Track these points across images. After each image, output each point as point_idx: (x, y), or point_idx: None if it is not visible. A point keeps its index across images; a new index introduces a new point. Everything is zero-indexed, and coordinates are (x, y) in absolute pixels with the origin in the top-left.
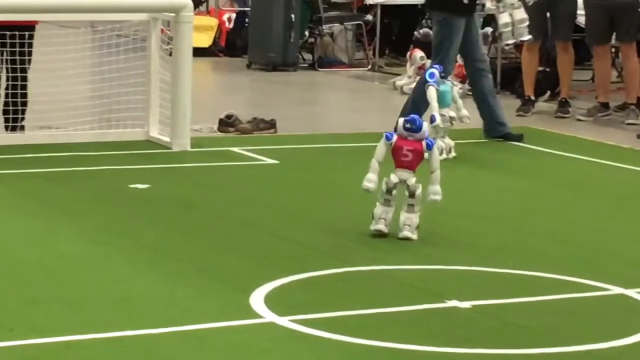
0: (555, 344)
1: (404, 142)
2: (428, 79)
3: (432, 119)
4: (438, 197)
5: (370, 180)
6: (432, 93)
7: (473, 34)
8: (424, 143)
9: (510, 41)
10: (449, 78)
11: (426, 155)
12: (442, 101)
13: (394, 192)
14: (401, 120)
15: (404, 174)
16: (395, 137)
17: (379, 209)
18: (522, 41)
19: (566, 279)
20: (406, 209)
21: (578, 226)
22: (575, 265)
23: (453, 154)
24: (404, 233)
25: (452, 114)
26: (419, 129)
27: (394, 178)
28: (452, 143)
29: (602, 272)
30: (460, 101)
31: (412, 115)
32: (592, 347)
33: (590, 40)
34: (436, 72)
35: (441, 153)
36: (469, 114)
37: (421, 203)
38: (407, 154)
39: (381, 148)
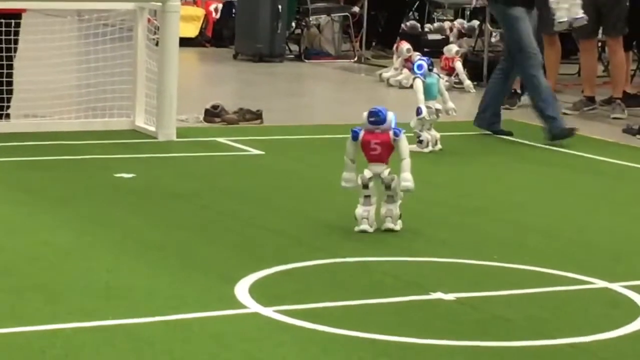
0: (539, 336)
1: (371, 135)
2: (416, 70)
3: (418, 111)
4: (409, 184)
5: (348, 179)
6: (418, 85)
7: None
8: (391, 133)
9: (564, 19)
10: (435, 70)
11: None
12: (428, 93)
13: (370, 185)
14: (365, 113)
15: (377, 168)
16: (362, 133)
17: (359, 210)
18: (576, 19)
19: (551, 272)
20: (386, 200)
21: (562, 219)
22: (559, 258)
23: (439, 146)
24: (386, 225)
25: (439, 106)
26: (383, 120)
27: (367, 173)
28: (437, 135)
29: (586, 266)
30: (446, 93)
31: (375, 108)
32: (576, 340)
33: (578, 34)
34: (424, 64)
35: (427, 145)
36: (455, 107)
37: (399, 193)
38: (376, 147)
39: (350, 145)
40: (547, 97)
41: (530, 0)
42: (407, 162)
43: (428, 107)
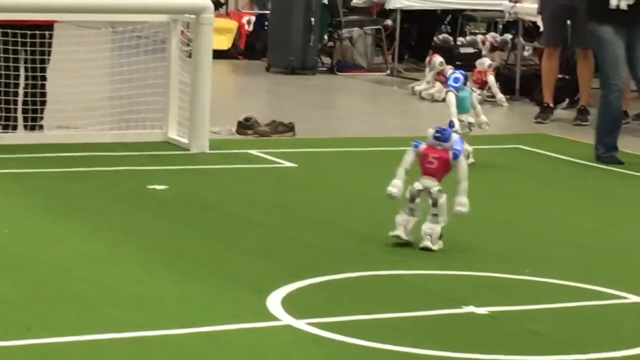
0: (571, 351)
1: (431, 150)
2: (452, 83)
3: (451, 125)
4: (464, 210)
5: (395, 185)
6: (451, 99)
7: (634, 49)
8: (450, 153)
9: None
10: (468, 84)
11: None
12: (460, 107)
13: (417, 200)
14: (431, 129)
15: (428, 182)
16: (423, 145)
17: (401, 217)
18: None
19: (583, 286)
20: (430, 219)
21: (595, 234)
22: (592, 272)
23: (471, 159)
24: (424, 243)
25: (471, 119)
26: (447, 139)
27: (417, 185)
28: (470, 149)
29: (619, 280)
30: (479, 107)
31: (443, 127)
32: (608, 355)
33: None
34: (461, 77)
35: (468, 157)
36: (487, 120)
37: (446, 214)
38: (433, 162)
39: (408, 155)
40: (612, 123)
41: (622, 17)
42: (464, 186)
43: (460, 121)
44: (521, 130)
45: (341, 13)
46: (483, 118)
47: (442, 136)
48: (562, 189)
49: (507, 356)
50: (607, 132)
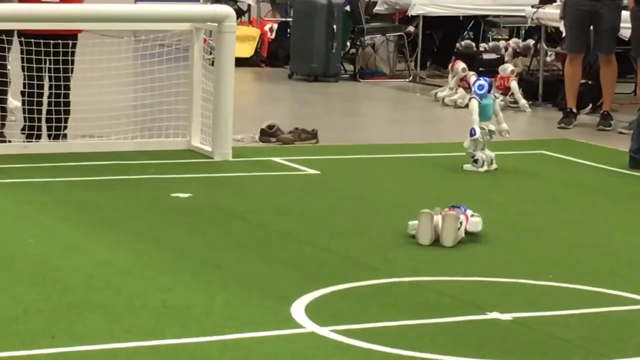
0: (596, 357)
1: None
2: (476, 90)
3: (472, 132)
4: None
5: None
6: (474, 106)
7: None
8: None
9: None
10: (492, 91)
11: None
12: (483, 114)
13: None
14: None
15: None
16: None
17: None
18: None
19: (607, 291)
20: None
21: (619, 239)
22: (616, 278)
23: (494, 165)
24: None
25: (492, 127)
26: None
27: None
28: (492, 155)
29: None
30: (501, 114)
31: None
32: None
33: (636, 52)
34: (486, 84)
35: (482, 165)
36: (508, 128)
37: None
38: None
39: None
40: None
41: None
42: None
43: (482, 128)
44: (544, 136)
45: (363, 20)
46: (504, 126)
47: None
48: (585, 194)
49: None
50: None
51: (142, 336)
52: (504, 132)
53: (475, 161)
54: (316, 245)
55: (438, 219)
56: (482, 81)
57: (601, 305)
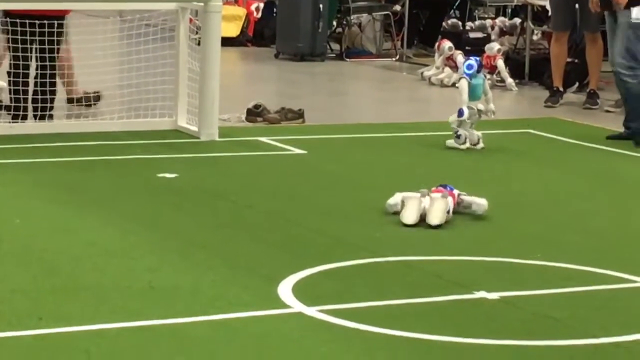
0: (583, 335)
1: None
2: (465, 70)
3: (460, 113)
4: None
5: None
6: (463, 85)
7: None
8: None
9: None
10: (482, 71)
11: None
12: (473, 94)
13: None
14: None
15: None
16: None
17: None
18: None
19: (594, 270)
20: None
21: (606, 218)
22: (603, 256)
23: (481, 144)
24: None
25: (481, 107)
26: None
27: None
28: (479, 134)
29: (630, 264)
30: (490, 94)
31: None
32: (620, 339)
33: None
34: (475, 64)
35: (465, 142)
36: (494, 109)
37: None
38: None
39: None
40: None
41: None
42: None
43: (470, 108)
44: (531, 115)
45: None
46: (492, 106)
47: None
48: (572, 173)
49: (518, 341)
50: None
51: (128, 317)
52: (489, 113)
53: (458, 137)
54: (303, 225)
55: (425, 201)
56: (471, 61)
57: (588, 284)
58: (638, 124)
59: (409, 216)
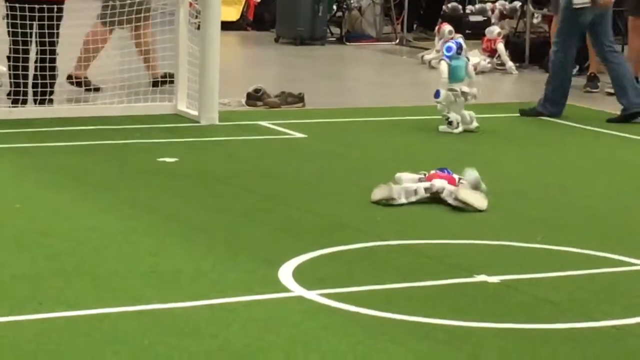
0: (584, 319)
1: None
2: (445, 52)
3: (436, 94)
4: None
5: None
6: (443, 67)
7: None
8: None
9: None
10: (464, 53)
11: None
12: (454, 76)
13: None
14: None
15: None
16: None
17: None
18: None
19: (595, 254)
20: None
21: (607, 201)
22: (604, 240)
23: (475, 124)
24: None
25: (465, 89)
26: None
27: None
28: (472, 114)
29: (631, 248)
30: (474, 77)
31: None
32: (621, 322)
33: (629, 11)
34: (453, 46)
35: (457, 126)
36: (476, 93)
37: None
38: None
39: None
40: None
41: None
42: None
43: (453, 90)
44: (531, 98)
45: None
46: (474, 90)
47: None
48: (573, 156)
49: (519, 324)
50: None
51: (129, 301)
52: (470, 97)
53: (450, 123)
54: (303, 208)
55: (419, 186)
56: (450, 43)
57: (588, 267)
58: (626, 100)
59: (376, 193)
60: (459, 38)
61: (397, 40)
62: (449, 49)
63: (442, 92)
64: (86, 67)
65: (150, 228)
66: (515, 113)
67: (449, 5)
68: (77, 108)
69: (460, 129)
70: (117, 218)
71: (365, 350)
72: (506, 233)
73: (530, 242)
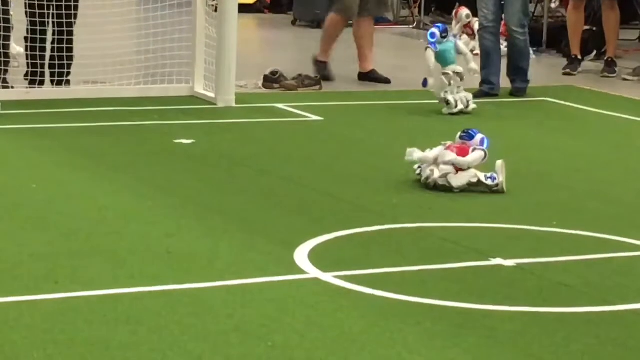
0: (599, 303)
1: (455, 146)
2: (429, 39)
3: (424, 83)
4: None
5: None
6: (429, 55)
7: None
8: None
9: None
10: (451, 35)
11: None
12: (444, 60)
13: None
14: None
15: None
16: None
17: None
18: None
19: (611, 238)
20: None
21: (623, 185)
22: (619, 224)
23: (473, 106)
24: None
25: (459, 69)
26: (470, 138)
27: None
28: (469, 95)
29: None
30: (469, 55)
31: (469, 129)
32: (637, 307)
33: None
34: (436, 31)
35: (456, 106)
36: (476, 68)
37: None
38: (454, 150)
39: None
40: None
41: None
42: (464, 161)
43: (446, 74)
44: (548, 83)
45: None
46: (472, 65)
47: (466, 136)
48: (590, 141)
49: (534, 308)
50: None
51: (145, 281)
52: (472, 72)
53: (448, 103)
54: (320, 190)
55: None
56: (433, 29)
57: (604, 251)
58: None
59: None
60: (476, 22)
61: (415, 24)
62: (432, 35)
63: (430, 80)
64: (325, 52)
65: (167, 209)
66: (532, 97)
67: None
68: (94, 89)
69: (460, 107)
70: (134, 199)
71: (380, 331)
72: (522, 217)
73: (546, 226)
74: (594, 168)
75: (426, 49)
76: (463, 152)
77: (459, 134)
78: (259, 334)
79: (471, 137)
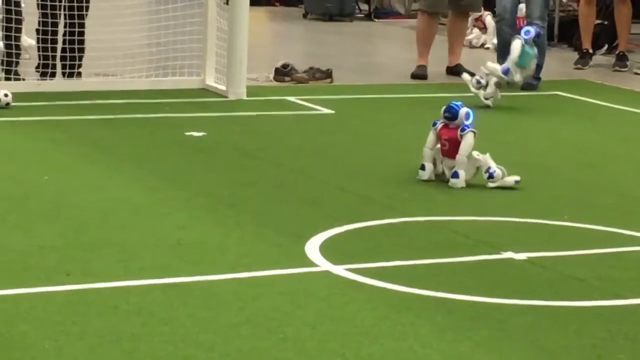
0: (610, 296)
1: (444, 130)
2: (524, 35)
3: (505, 70)
4: (457, 182)
5: (425, 171)
6: (516, 45)
7: None
8: (459, 130)
9: None
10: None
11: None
12: (522, 60)
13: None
14: (442, 108)
15: (448, 162)
16: (440, 125)
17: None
18: None
19: (621, 232)
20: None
21: (634, 179)
22: (630, 218)
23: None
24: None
25: (518, 77)
26: (455, 116)
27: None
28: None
29: None
30: (530, 72)
31: (452, 103)
32: None
33: None
34: (533, 31)
35: (486, 89)
36: (520, 81)
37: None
38: (445, 143)
39: (430, 136)
40: None
41: None
42: (461, 160)
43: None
44: (560, 77)
45: None
46: (518, 77)
47: (450, 115)
48: (601, 135)
49: (545, 302)
50: None
51: (156, 273)
52: (517, 84)
53: (479, 82)
54: (331, 184)
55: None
56: (530, 28)
57: (615, 245)
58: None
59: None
60: (488, 16)
61: None
62: (527, 32)
63: (512, 71)
64: (421, 56)
65: (178, 201)
66: (545, 91)
67: None
68: (105, 81)
69: (490, 91)
70: (145, 191)
71: (391, 324)
72: (533, 210)
73: (557, 219)
74: (605, 162)
75: (514, 38)
76: (453, 140)
77: (442, 110)
78: (270, 326)
79: (455, 115)
